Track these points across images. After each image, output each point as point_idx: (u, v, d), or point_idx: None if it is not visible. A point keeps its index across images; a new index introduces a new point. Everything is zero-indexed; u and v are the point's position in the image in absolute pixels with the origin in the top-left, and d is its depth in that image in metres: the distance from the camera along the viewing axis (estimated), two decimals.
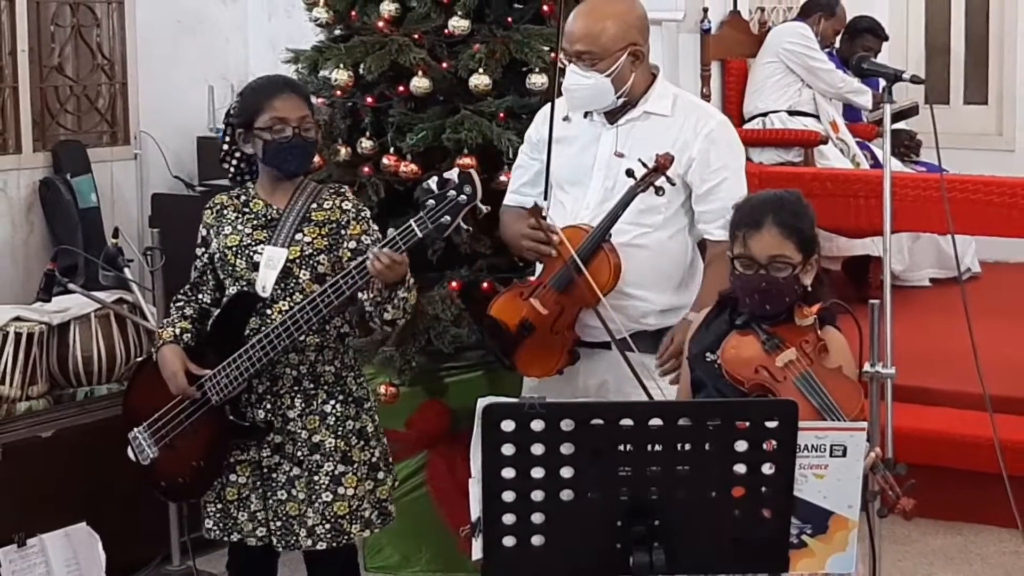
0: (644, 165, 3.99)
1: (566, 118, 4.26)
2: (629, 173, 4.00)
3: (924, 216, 6.20)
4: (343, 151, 5.35)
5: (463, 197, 3.76)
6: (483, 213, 4.01)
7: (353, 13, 5.44)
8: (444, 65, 5.22)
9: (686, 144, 4.11)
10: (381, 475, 4.20)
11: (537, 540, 2.77)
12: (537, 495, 2.73)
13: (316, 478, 4.05)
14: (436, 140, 5.15)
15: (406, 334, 5.12)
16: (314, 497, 4.05)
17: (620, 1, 4.23)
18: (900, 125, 8.49)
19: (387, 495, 4.21)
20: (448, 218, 3.76)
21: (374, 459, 4.18)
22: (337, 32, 5.50)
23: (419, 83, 5.16)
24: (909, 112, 8.52)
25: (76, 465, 5.05)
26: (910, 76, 4.76)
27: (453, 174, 3.82)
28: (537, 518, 2.75)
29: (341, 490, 4.06)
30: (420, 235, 3.81)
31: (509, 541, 2.77)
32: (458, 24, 5.18)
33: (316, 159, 5.30)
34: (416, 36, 5.22)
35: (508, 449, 2.70)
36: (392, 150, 5.26)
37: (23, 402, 5.33)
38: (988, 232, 6.72)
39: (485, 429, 2.71)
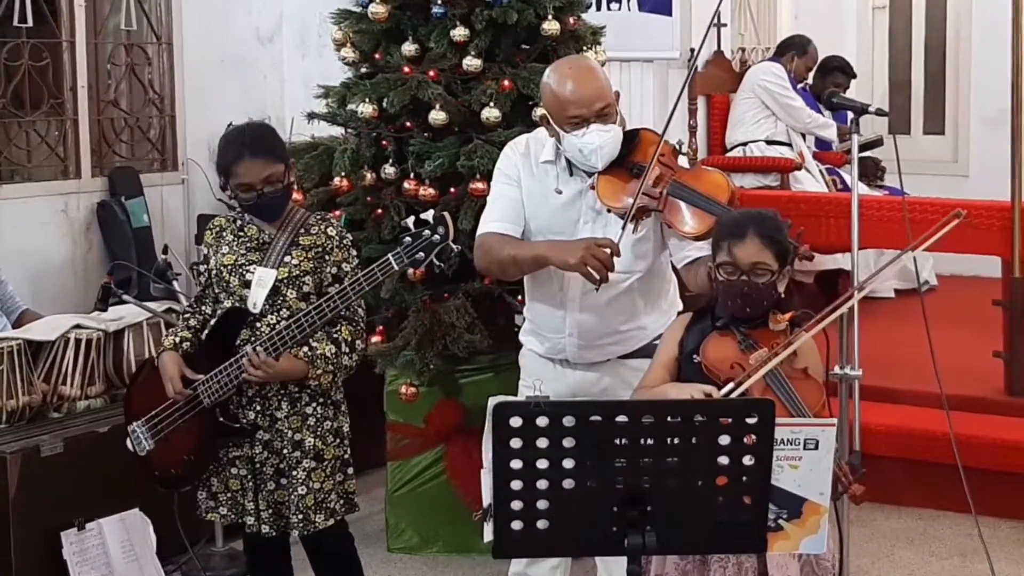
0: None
1: (559, 190, 3.99)
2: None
3: (888, 234, 6.19)
4: (368, 176, 5.37)
5: (436, 237, 3.76)
6: (455, 252, 3.91)
7: (377, 53, 5.47)
8: (459, 100, 5.24)
9: None
10: (351, 470, 4.20)
11: (542, 524, 2.77)
12: (542, 484, 2.73)
13: (295, 472, 4.06)
14: (452, 167, 5.17)
15: (425, 340, 5.14)
16: (291, 490, 4.07)
17: (590, 58, 4.19)
18: (866, 153, 8.49)
19: (353, 488, 4.21)
20: (422, 255, 3.78)
21: (346, 455, 4.18)
22: (363, 70, 5.53)
23: (436, 116, 5.18)
24: (875, 143, 8.53)
25: (130, 457, 5.06)
26: (875, 109, 4.75)
27: (429, 215, 3.82)
28: (542, 504, 2.75)
29: (312, 484, 4.06)
30: (396, 268, 3.83)
31: (517, 525, 2.77)
32: (471, 63, 5.21)
33: (344, 183, 5.35)
34: (433, 74, 5.24)
35: (516, 443, 2.70)
36: (412, 176, 5.28)
37: (82, 401, 5.32)
38: (944, 249, 6.70)
39: (495, 425, 2.71)
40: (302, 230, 4.09)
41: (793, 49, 8.60)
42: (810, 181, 8.26)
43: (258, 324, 4.02)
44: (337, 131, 5.66)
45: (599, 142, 3.83)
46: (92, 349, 5.33)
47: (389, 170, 5.32)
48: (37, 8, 6.68)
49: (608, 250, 3.69)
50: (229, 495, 4.14)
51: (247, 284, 4.04)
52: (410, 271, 4.92)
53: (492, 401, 2.77)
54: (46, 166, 6.96)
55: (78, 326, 5.37)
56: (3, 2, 6.53)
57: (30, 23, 6.64)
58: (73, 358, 5.28)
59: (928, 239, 3.79)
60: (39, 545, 4.85)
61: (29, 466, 4.86)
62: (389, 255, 3.82)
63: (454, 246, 3.84)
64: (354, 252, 4.16)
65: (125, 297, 5.36)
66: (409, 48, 5.30)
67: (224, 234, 4.14)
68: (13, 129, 6.78)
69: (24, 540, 4.82)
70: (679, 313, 4.06)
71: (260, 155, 3.99)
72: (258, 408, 4.08)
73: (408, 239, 3.79)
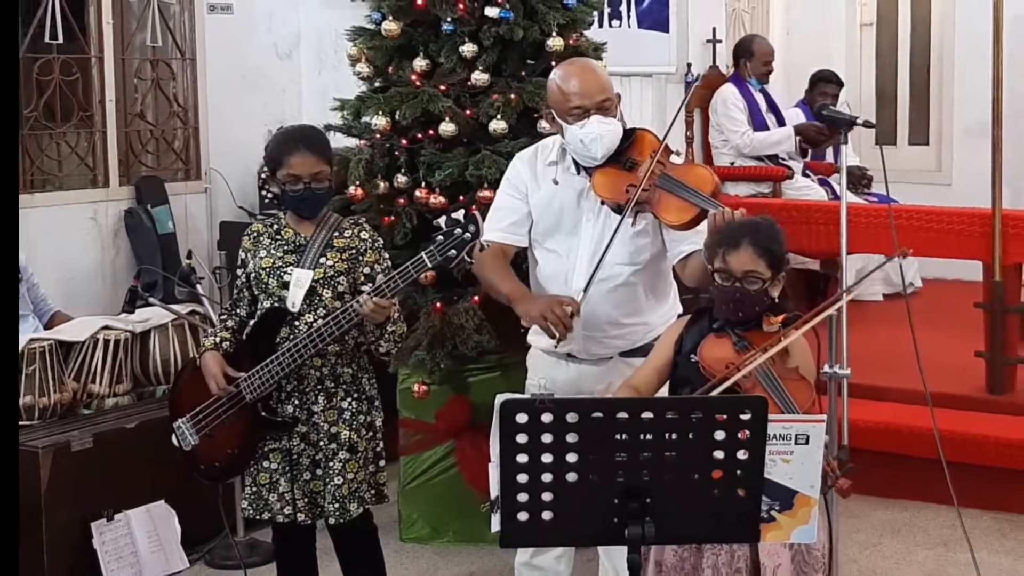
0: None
1: (555, 180, 4.06)
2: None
3: (875, 240, 6.19)
4: (382, 185, 5.38)
5: (467, 235, 3.76)
6: (485, 249, 3.92)
7: (390, 68, 5.48)
8: (468, 112, 5.25)
9: None
10: (382, 463, 4.21)
11: (547, 515, 2.78)
12: (546, 477, 2.74)
13: (331, 464, 4.07)
14: (461, 176, 5.18)
15: (435, 341, 5.14)
16: (327, 480, 4.08)
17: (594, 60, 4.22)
18: (854, 162, 8.44)
19: (383, 480, 4.21)
20: (454, 251, 3.77)
21: (378, 448, 4.19)
22: (377, 84, 5.53)
23: (446, 127, 5.19)
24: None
25: (156, 451, 5.04)
26: (863, 121, 4.76)
27: (460, 215, 3.82)
28: (546, 496, 2.76)
29: (347, 475, 4.08)
30: (430, 265, 3.82)
31: (523, 516, 2.78)
32: (479, 77, 5.22)
33: (358, 191, 5.36)
34: (444, 87, 5.25)
35: (522, 438, 2.71)
36: (423, 184, 5.28)
37: (111, 398, 5.34)
38: (928, 254, 6.71)
39: (502, 421, 2.72)
40: (336, 233, 4.12)
41: (742, 56, 8.35)
42: (816, 189, 8.22)
43: (296, 323, 4.04)
44: (352, 142, 5.66)
45: (599, 131, 3.90)
46: (120, 349, 5.35)
47: (401, 179, 5.33)
48: (67, 26, 6.69)
49: (569, 308, 3.78)
50: (255, 489, 4.15)
51: (285, 285, 4.05)
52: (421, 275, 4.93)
53: (499, 398, 2.77)
54: (76, 175, 6.97)
55: (107, 327, 5.39)
56: (35, 20, 6.55)
57: (61, 40, 6.65)
58: (102, 358, 5.30)
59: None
60: (69, 535, 4.87)
61: (60, 460, 4.88)
62: (423, 252, 3.82)
63: (485, 243, 3.85)
64: (386, 255, 4.19)
65: (151, 300, 5.37)
66: (420, 63, 5.32)
67: (261, 239, 4.16)
68: (45, 140, 6.79)
69: (55, 531, 4.84)
70: (679, 316, 4.07)
71: (314, 151, 4.06)
72: (296, 402, 4.09)
73: (440, 237, 3.79)
